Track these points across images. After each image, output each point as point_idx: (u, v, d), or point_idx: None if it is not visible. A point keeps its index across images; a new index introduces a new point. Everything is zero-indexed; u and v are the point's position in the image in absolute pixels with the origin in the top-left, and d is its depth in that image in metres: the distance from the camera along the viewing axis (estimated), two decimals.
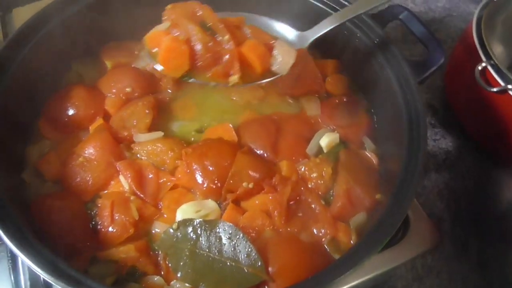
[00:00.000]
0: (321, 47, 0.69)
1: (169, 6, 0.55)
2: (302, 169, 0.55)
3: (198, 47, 0.52)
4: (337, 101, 0.62)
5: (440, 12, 0.96)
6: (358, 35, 0.61)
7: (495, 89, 0.62)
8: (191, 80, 0.54)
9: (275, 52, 0.55)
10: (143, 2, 0.66)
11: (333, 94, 0.64)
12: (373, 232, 0.44)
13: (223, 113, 0.63)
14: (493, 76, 0.63)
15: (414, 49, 0.87)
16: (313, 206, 0.52)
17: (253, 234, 0.50)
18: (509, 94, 0.62)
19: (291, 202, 0.53)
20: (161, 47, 0.53)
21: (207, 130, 0.60)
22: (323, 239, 0.50)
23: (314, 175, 0.54)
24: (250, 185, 0.52)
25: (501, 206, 0.64)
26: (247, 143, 0.58)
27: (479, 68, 0.64)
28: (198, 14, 0.54)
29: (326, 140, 0.57)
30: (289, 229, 0.51)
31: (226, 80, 0.54)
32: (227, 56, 0.52)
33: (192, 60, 0.53)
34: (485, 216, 0.67)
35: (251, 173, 0.53)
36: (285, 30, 0.60)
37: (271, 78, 0.55)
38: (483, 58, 0.65)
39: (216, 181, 0.52)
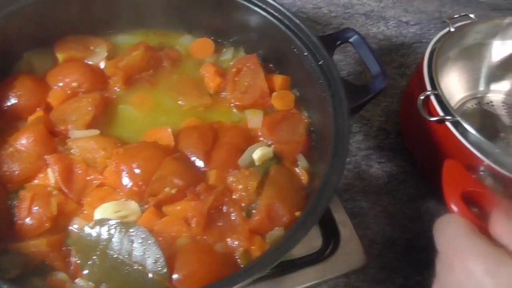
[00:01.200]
0: (274, 62, 0.70)
1: None
2: (231, 179, 0.56)
3: None
4: (279, 116, 0.63)
5: (410, 37, 0.97)
6: (306, 54, 0.61)
7: (433, 119, 0.63)
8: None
9: None
10: None
11: (278, 109, 0.65)
12: (273, 248, 0.45)
13: (167, 117, 0.64)
14: (434, 106, 0.64)
15: None
16: (233, 217, 0.53)
17: (168, 240, 0.51)
18: (446, 125, 0.63)
19: (213, 211, 0.53)
20: None
21: (146, 132, 0.61)
22: (236, 251, 0.51)
23: (240, 186, 0.55)
24: (173, 191, 0.53)
25: (433, 237, 0.64)
26: (182, 149, 0.59)
27: (422, 97, 0.65)
28: None
29: (259, 153, 0.58)
30: (205, 237, 0.52)
31: None
32: None
33: None
34: (417, 244, 0.68)
35: (176, 179, 0.54)
36: None
37: None
38: (428, 88, 0.66)
39: (140, 184, 0.53)
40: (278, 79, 0.67)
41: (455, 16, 0.77)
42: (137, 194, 0.53)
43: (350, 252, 0.63)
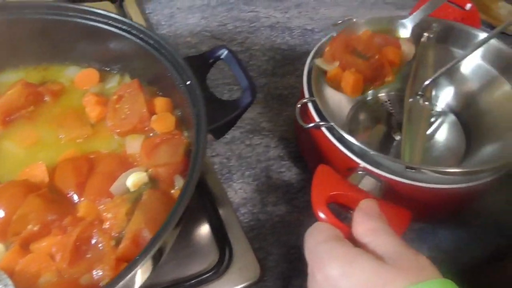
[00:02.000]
0: (158, 85, 0.71)
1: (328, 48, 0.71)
2: (101, 208, 0.56)
3: (365, 72, 0.69)
4: (158, 140, 0.63)
5: (315, 44, 0.98)
6: (175, 76, 0.62)
7: (309, 126, 0.64)
8: (365, 94, 0.74)
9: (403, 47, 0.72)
10: None
11: (159, 132, 0.65)
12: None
13: (46, 151, 0.64)
14: (311, 113, 0.65)
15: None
16: (101, 247, 0.53)
17: (31, 278, 0.50)
18: (322, 131, 0.63)
19: (80, 244, 0.53)
20: (347, 80, 0.68)
21: (21, 171, 0.60)
22: (101, 282, 0.51)
23: (110, 215, 0.55)
24: (36, 228, 0.52)
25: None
26: (57, 183, 0.59)
27: (299, 105, 0.66)
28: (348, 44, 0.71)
29: (132, 179, 0.58)
30: (71, 271, 0.51)
31: (383, 83, 0.71)
32: (381, 67, 0.71)
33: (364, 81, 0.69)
34: None
35: (41, 215, 0.53)
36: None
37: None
38: (306, 95, 0.67)
39: (2, 223, 0.53)
40: (159, 102, 0.67)
41: (339, 21, 0.78)
42: (1, 235, 0.53)
43: (244, 267, 0.64)
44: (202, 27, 0.99)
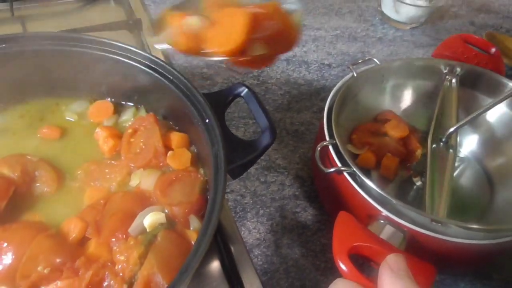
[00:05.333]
0: (173, 120, 0.69)
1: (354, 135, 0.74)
2: (115, 249, 0.54)
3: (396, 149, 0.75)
4: (173, 176, 0.61)
5: (332, 80, 0.98)
6: (193, 113, 0.60)
7: (330, 170, 0.62)
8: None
9: None
10: None
11: (174, 168, 0.63)
12: None
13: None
14: (332, 157, 0.63)
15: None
16: None
17: None
18: (343, 175, 0.61)
19: (92, 286, 0.51)
20: (387, 166, 0.73)
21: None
22: None
23: (122, 258, 0.53)
24: (46, 270, 0.50)
25: None
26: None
27: (319, 148, 0.64)
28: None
29: (149, 219, 0.56)
30: None
31: (414, 158, 0.75)
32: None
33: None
34: None
35: (51, 257, 0.51)
36: None
37: None
38: (326, 137, 0.65)
39: (10, 267, 0.50)
40: (175, 137, 0.65)
41: (359, 61, 0.77)
42: (8, 279, 0.50)
43: None
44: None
